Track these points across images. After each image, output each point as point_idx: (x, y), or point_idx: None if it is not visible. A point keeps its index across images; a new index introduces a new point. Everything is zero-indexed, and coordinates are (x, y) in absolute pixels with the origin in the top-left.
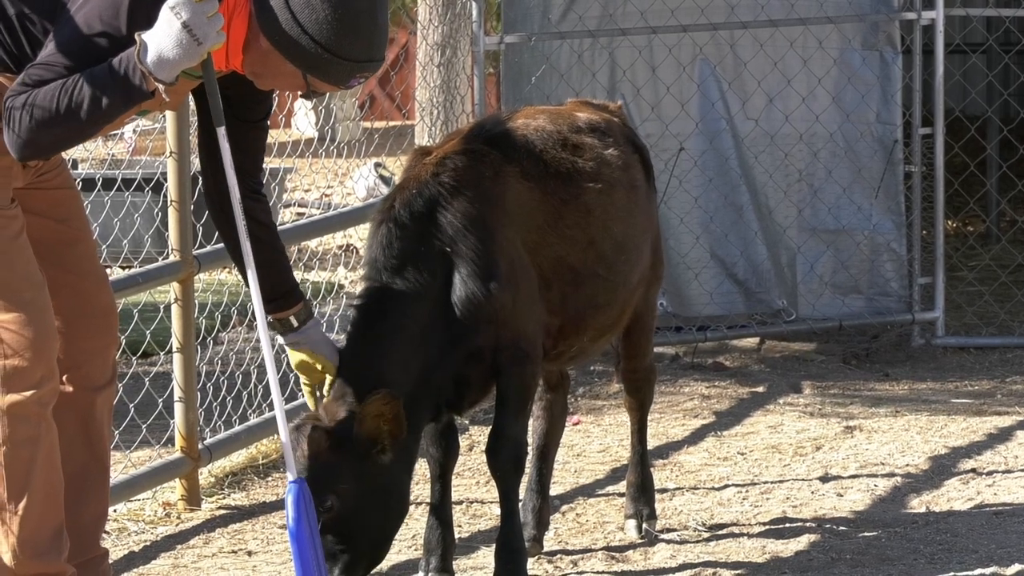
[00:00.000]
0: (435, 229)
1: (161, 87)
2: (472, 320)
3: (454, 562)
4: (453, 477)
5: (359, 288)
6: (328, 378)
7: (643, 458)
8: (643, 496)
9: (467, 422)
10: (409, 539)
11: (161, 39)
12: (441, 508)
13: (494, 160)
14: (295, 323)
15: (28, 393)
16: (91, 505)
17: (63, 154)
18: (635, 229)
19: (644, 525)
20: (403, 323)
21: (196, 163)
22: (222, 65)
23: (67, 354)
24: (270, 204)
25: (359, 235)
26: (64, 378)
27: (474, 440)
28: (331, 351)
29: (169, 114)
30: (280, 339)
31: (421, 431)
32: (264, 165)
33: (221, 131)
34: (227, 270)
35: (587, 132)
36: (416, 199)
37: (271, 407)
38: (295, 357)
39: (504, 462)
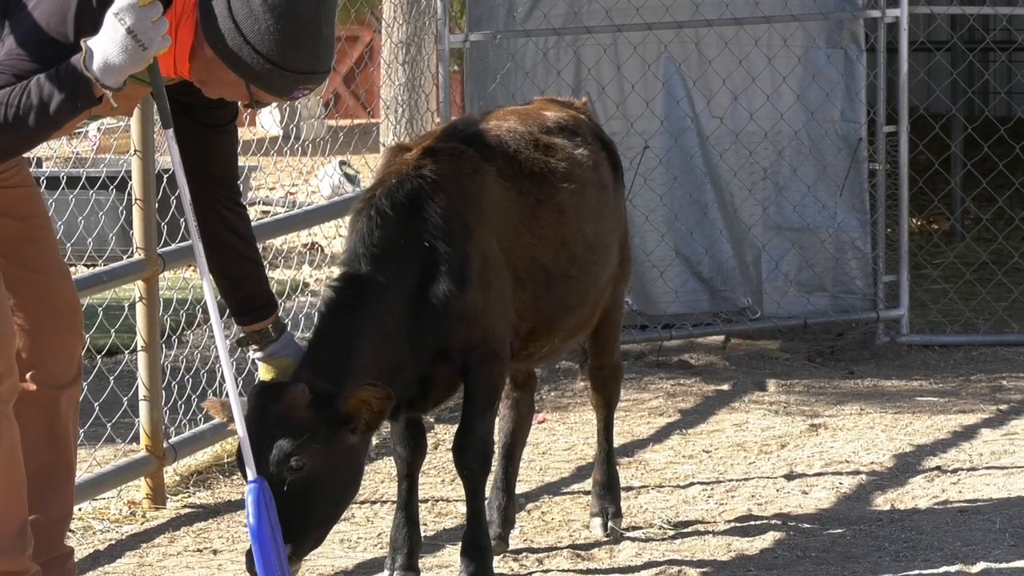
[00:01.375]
0: (416, 222)
1: (109, 93)
2: (445, 318)
3: (420, 560)
4: (419, 476)
5: (336, 273)
6: None
7: (609, 456)
8: (609, 494)
9: (432, 420)
10: (375, 537)
11: (106, 45)
12: (408, 507)
13: (472, 158)
14: (273, 334)
15: None
16: (56, 503)
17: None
18: (606, 229)
19: (609, 523)
20: (379, 315)
21: (160, 161)
22: (171, 72)
23: (31, 352)
24: None
25: (324, 233)
26: (28, 376)
27: (440, 438)
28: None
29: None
30: (253, 354)
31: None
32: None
33: (169, 133)
34: (192, 268)
35: (557, 132)
36: (398, 191)
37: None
38: (268, 373)
39: (471, 460)
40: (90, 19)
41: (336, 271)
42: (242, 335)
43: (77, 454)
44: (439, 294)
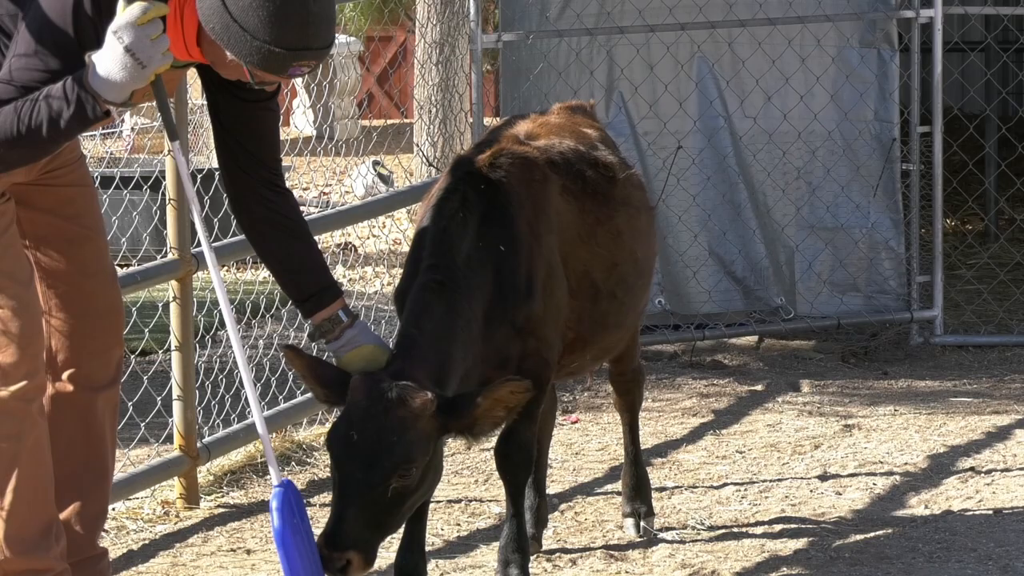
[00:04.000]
0: (492, 227)
1: (114, 109)
2: (511, 325)
3: (453, 560)
4: (452, 476)
5: (425, 269)
6: None
7: (637, 458)
8: (639, 495)
9: None
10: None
11: (107, 62)
12: (416, 531)
13: (542, 168)
14: (344, 319)
15: (12, 388)
16: (90, 505)
17: (81, 150)
18: (651, 253)
19: (642, 523)
20: (469, 319)
21: (195, 161)
22: (184, 56)
23: (69, 353)
24: None
25: (357, 233)
26: (65, 376)
27: None
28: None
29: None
30: (328, 346)
31: None
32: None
33: (176, 145)
34: (225, 268)
35: (604, 151)
36: (477, 195)
37: (270, 405)
38: (354, 365)
39: (515, 465)
40: (90, 25)
41: (426, 265)
42: (312, 329)
43: (114, 456)
44: (511, 302)
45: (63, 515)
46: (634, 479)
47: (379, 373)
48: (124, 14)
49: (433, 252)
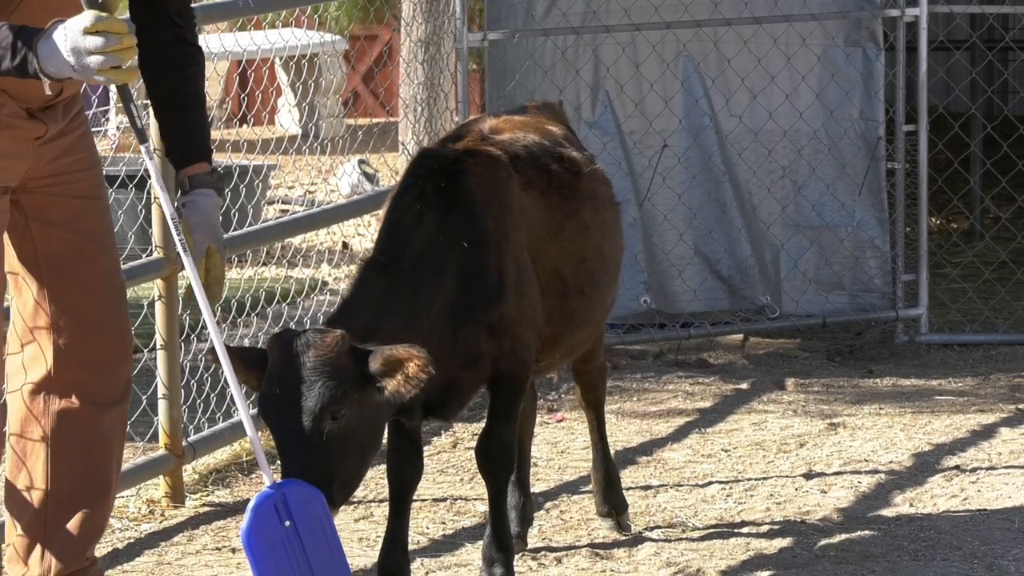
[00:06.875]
0: (455, 222)
1: (46, 82)
2: (480, 324)
3: (438, 559)
4: (438, 475)
5: (377, 252)
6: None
7: (606, 454)
8: (612, 491)
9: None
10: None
11: (55, 45)
12: (399, 529)
13: (506, 165)
14: (186, 186)
15: None
16: (88, 520)
17: (98, 155)
18: (617, 248)
19: (620, 519)
20: (416, 311)
21: None
22: None
23: (77, 369)
24: (254, 199)
25: (343, 232)
26: (72, 393)
27: (458, 437)
28: (209, 237)
29: (153, 111)
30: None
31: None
32: (248, 162)
33: (144, 148)
34: None
35: (571, 147)
36: (438, 190)
37: (255, 404)
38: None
39: (496, 465)
40: None
41: (372, 258)
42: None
43: (119, 473)
44: (479, 302)
45: (61, 528)
46: (605, 476)
47: (294, 330)
48: (80, 16)
49: (385, 240)
